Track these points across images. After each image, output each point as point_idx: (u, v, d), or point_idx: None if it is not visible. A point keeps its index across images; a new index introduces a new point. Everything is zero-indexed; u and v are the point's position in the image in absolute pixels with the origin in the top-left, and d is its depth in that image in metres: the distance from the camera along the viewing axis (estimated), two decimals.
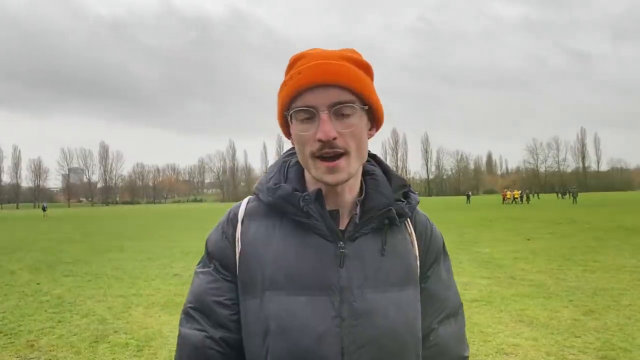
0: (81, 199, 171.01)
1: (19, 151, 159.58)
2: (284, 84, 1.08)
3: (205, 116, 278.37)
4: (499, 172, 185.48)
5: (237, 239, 1.14)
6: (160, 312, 6.88)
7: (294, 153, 1.22)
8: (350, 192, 1.13)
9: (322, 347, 1.02)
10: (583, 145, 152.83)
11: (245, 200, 1.22)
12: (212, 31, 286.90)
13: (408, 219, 1.20)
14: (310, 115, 1.04)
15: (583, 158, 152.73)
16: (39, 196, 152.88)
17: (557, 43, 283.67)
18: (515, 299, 7.09)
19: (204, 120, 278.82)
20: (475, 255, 11.77)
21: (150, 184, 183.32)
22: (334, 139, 1.02)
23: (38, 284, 9.40)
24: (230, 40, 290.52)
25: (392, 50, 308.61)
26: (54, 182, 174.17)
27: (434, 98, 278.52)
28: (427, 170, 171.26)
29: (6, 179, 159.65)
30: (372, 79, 1.12)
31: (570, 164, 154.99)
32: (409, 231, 1.20)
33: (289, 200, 1.10)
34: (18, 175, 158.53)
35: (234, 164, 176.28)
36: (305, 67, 1.04)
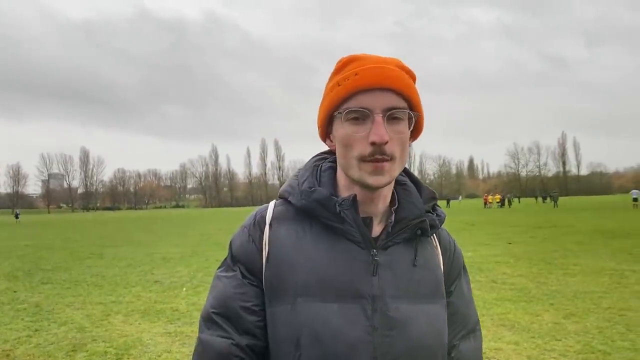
0: (61, 204, 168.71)
1: None
2: (337, 83, 1.06)
3: (185, 121, 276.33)
4: (480, 177, 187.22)
5: (264, 242, 1.10)
6: (141, 319, 6.79)
7: (324, 158, 1.22)
8: (384, 200, 1.12)
9: (355, 356, 1.00)
10: (563, 149, 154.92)
11: (272, 203, 1.19)
12: (188, 36, 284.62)
13: (434, 233, 1.20)
14: (363, 116, 1.02)
15: (564, 162, 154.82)
16: (18, 202, 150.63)
17: (533, 48, 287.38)
18: (497, 303, 7.13)
19: (184, 125, 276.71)
20: None
21: (132, 189, 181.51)
22: (386, 143, 1.00)
23: (15, 292, 9.22)
24: (207, 45, 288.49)
25: None
26: (33, 187, 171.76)
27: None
28: None
29: None
30: None
31: (551, 168, 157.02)
32: (435, 244, 1.19)
33: (325, 204, 1.08)
34: None
35: (216, 169, 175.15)
36: (362, 69, 1.03)
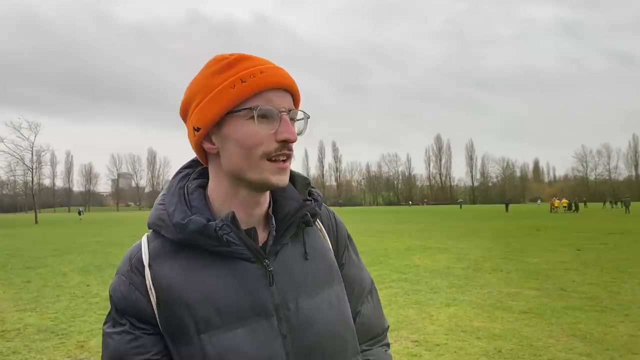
0: (129, 203, 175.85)
1: (72, 157, 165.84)
2: (239, 79, 0.99)
3: None
4: (546, 180, 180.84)
5: (149, 287, 1.02)
6: None
7: (187, 175, 1.15)
8: (265, 204, 1.10)
9: None
10: (635, 152, 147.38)
11: (144, 241, 1.10)
12: (240, 39, 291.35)
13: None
14: (270, 115, 1.00)
15: (636, 166, 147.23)
16: (90, 200, 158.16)
17: (596, 45, 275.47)
18: (567, 312, 6.84)
19: None
20: (522, 265, 11.45)
21: None
22: (295, 140, 1.01)
23: (88, 285, 9.68)
24: (258, 47, 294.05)
25: (424, 55, 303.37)
26: (103, 186, 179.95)
27: (475, 103, 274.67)
28: (472, 178, 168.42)
29: (59, 183, 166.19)
30: None
31: (622, 172, 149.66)
32: (319, 227, 1.20)
33: (204, 233, 1.00)
34: (70, 180, 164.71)
35: None
36: (267, 68, 1.01)
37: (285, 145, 1.00)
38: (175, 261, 1.03)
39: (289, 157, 1.03)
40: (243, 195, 1.05)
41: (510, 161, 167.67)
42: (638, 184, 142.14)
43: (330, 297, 1.09)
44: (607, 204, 76.85)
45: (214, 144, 1.04)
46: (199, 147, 1.07)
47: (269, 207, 1.11)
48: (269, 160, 1.00)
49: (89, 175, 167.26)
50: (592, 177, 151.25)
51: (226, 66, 1.02)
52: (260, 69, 1.00)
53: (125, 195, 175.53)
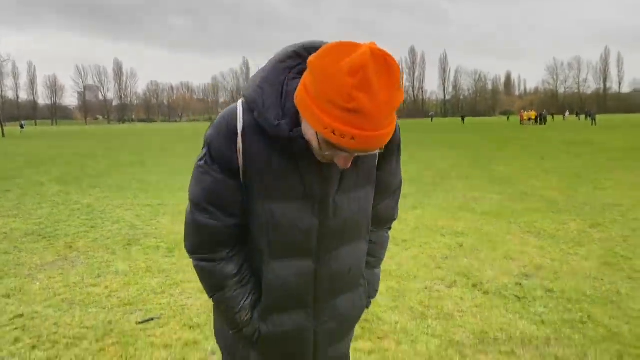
0: (97, 116, 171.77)
1: (34, 67, 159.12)
2: (337, 127, 1.07)
3: (214, 33, 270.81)
4: (517, 93, 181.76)
5: (239, 150, 1.28)
6: None
7: (288, 68, 1.26)
8: None
9: (306, 238, 1.36)
10: (606, 65, 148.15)
11: (240, 110, 1.29)
12: None
13: None
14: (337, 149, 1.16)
15: (605, 79, 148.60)
16: (57, 114, 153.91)
17: None
18: (526, 213, 7.36)
19: (215, 37, 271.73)
20: (489, 172, 12.06)
21: (165, 102, 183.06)
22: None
23: (68, 194, 9.85)
24: None
25: None
26: (69, 99, 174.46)
27: (437, 12, 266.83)
28: (444, 91, 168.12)
29: (23, 95, 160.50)
30: None
31: (591, 85, 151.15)
32: None
33: (285, 139, 1.22)
34: (35, 92, 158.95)
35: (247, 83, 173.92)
36: (360, 135, 1.06)
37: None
38: (262, 141, 1.26)
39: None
40: None
41: (482, 74, 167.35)
42: (605, 97, 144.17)
43: (360, 196, 1.42)
44: (571, 115, 78.33)
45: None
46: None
47: None
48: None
49: (54, 87, 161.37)
50: (561, 90, 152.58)
51: (346, 110, 1.04)
52: (355, 134, 1.06)
53: (93, 108, 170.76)
